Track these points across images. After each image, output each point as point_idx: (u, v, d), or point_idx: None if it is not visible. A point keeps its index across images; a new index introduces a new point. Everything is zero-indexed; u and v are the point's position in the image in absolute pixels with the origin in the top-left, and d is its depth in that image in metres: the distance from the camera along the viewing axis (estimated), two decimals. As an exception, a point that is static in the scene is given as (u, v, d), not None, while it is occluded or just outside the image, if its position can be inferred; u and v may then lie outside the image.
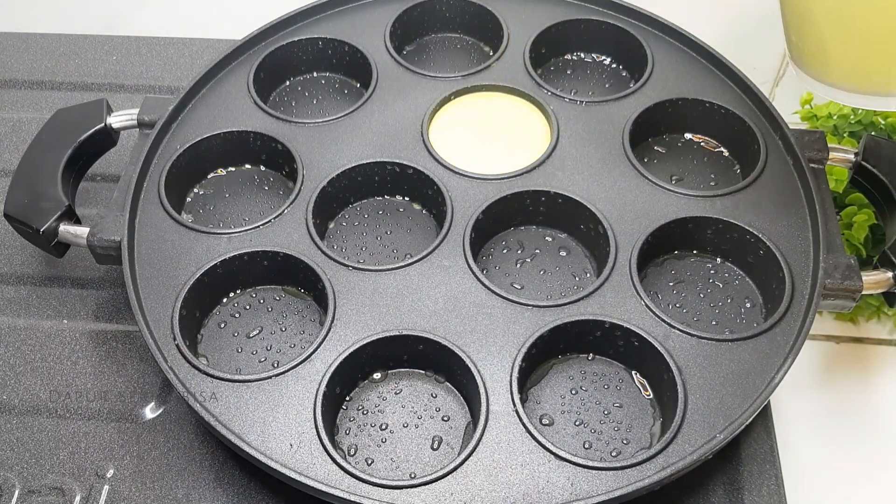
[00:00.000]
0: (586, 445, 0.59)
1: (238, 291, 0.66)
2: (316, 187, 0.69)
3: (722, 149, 0.74)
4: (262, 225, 0.67)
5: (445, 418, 0.60)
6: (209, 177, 0.73)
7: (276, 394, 0.58)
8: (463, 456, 0.55)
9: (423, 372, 0.62)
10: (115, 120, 0.73)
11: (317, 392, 0.58)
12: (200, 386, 0.59)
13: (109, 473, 0.62)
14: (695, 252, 0.68)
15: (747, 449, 0.62)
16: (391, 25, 0.79)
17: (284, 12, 0.79)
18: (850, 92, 0.61)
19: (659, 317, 0.61)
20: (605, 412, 0.60)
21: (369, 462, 0.58)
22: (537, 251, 0.68)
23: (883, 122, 0.77)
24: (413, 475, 0.57)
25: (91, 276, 0.74)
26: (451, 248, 0.65)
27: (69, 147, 0.71)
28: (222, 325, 0.65)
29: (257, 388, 0.59)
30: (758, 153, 0.70)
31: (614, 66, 0.80)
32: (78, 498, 0.61)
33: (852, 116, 0.78)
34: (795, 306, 0.61)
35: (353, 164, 0.70)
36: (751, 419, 0.57)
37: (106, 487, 0.62)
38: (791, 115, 0.79)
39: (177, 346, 0.60)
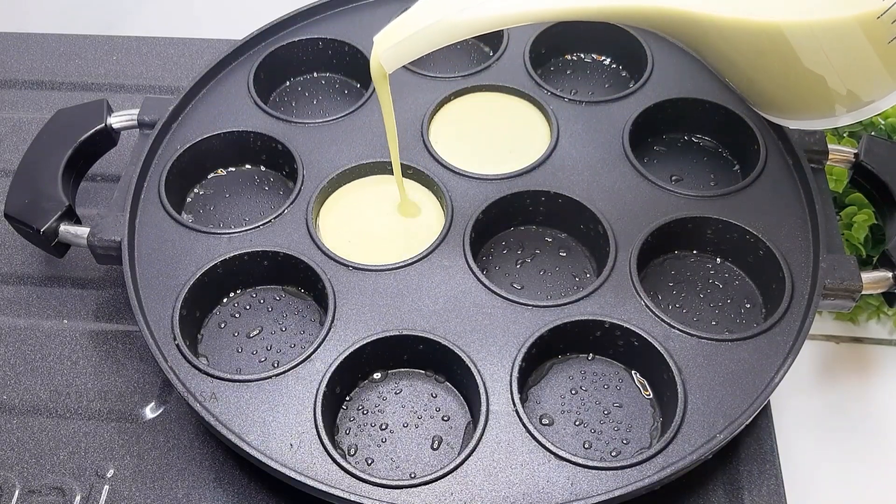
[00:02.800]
0: (586, 445, 0.59)
1: (238, 291, 0.66)
2: (316, 187, 0.69)
3: (722, 148, 0.74)
4: (262, 225, 0.67)
5: (445, 418, 0.60)
6: (209, 177, 0.73)
7: (277, 394, 0.58)
8: (463, 456, 0.55)
9: (423, 372, 0.62)
10: (116, 120, 0.73)
11: (317, 392, 0.58)
12: (200, 386, 0.59)
13: (109, 473, 0.62)
14: (695, 252, 0.68)
15: (747, 449, 0.62)
16: (391, 25, 0.79)
17: (284, 12, 0.79)
18: (804, 120, 0.62)
19: (659, 317, 0.61)
20: (605, 412, 0.60)
21: (369, 462, 0.58)
22: (537, 251, 0.68)
23: (883, 123, 0.77)
24: (413, 475, 0.57)
25: (91, 276, 0.74)
26: (451, 248, 0.65)
27: (69, 147, 0.71)
28: (222, 325, 0.65)
29: (257, 388, 0.59)
30: (758, 153, 0.70)
31: (614, 66, 0.80)
32: (78, 498, 0.61)
33: (852, 116, 0.78)
34: (795, 306, 0.61)
35: (353, 164, 0.70)
36: (751, 419, 0.57)
37: (106, 487, 0.62)
38: (791, 115, 0.79)
39: (177, 346, 0.60)
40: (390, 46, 0.57)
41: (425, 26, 0.54)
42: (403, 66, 0.76)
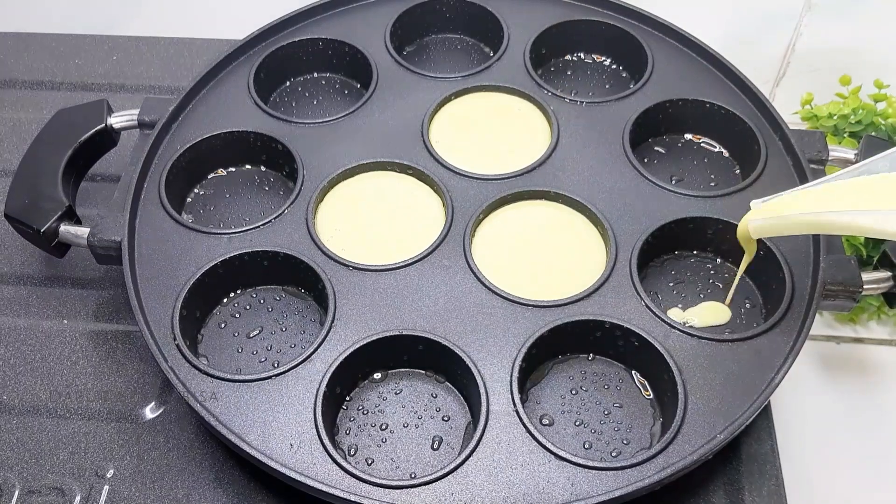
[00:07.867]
0: (586, 445, 0.59)
1: (238, 291, 0.66)
2: (316, 187, 0.69)
3: (722, 149, 0.74)
4: (263, 225, 0.67)
5: (445, 418, 0.60)
6: (209, 177, 0.73)
7: (277, 394, 0.58)
8: (463, 456, 0.55)
9: (423, 372, 0.62)
10: (116, 120, 0.73)
11: (317, 392, 0.58)
12: (200, 386, 0.59)
13: (109, 473, 0.62)
14: (695, 252, 0.68)
15: (747, 449, 0.62)
16: (391, 26, 0.79)
17: (284, 12, 0.79)
18: None
19: (659, 317, 0.61)
20: (606, 412, 0.60)
21: (369, 462, 0.58)
22: (537, 251, 0.68)
23: (883, 123, 0.77)
24: (413, 475, 0.57)
25: (91, 276, 0.74)
26: (451, 247, 0.65)
27: (70, 147, 0.71)
28: (222, 325, 0.65)
29: (257, 388, 0.59)
30: (758, 153, 0.69)
31: (614, 66, 0.80)
32: (78, 498, 0.61)
33: (852, 117, 0.78)
34: (795, 306, 0.61)
35: (353, 164, 0.70)
36: (751, 419, 0.57)
37: (106, 487, 0.62)
38: (791, 116, 0.80)
39: (177, 346, 0.60)
40: (765, 219, 0.58)
41: (807, 214, 0.55)
42: (403, 67, 0.77)
